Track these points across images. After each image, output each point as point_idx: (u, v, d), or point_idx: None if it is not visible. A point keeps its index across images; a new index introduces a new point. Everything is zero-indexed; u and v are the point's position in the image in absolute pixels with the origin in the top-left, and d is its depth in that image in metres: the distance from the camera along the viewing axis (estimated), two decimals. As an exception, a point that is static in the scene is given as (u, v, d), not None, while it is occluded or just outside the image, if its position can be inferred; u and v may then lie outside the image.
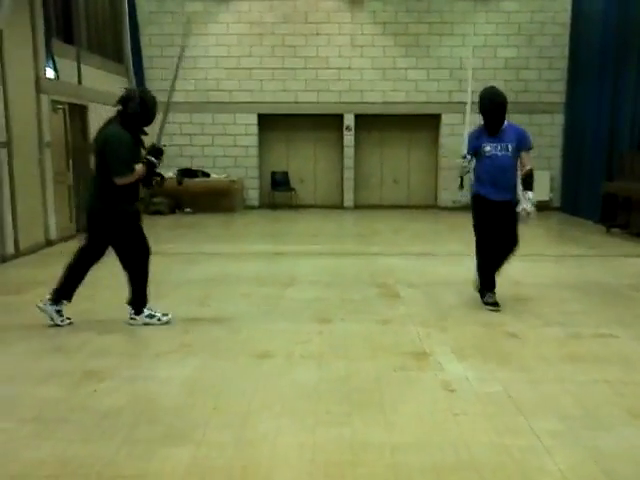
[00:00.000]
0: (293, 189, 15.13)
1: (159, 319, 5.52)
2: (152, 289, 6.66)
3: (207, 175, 14.36)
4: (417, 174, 15.52)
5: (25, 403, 3.87)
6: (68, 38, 11.09)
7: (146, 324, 5.47)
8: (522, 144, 5.90)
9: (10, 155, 8.62)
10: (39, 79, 9.41)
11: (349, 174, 15.12)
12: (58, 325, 5.38)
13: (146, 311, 5.52)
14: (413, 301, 6.38)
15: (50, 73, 9.94)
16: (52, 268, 8.32)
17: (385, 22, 14.67)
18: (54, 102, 9.88)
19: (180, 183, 13.81)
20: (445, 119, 14.86)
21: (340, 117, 14.94)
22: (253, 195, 15.14)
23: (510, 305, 6.15)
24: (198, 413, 3.72)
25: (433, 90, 14.77)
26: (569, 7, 14.18)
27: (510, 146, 5.88)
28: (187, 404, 3.85)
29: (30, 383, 4.18)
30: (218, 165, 14.72)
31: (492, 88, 6.16)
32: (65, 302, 5.44)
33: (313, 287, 6.99)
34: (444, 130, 14.92)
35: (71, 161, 10.49)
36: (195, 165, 14.69)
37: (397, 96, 14.74)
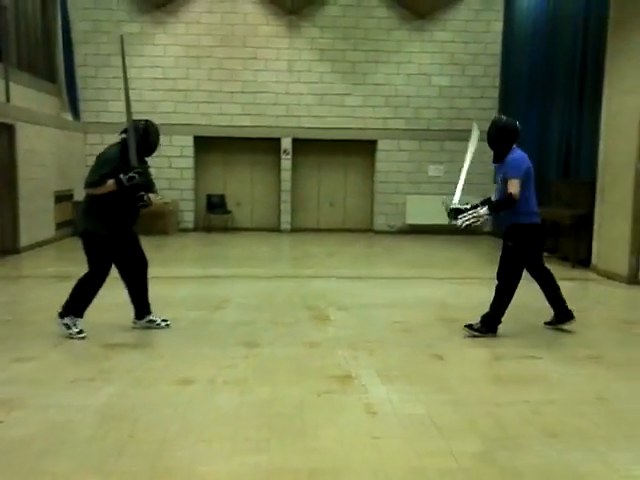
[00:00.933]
0: (229, 212, 15.01)
1: (158, 324, 5.98)
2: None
3: (141, 197, 14.07)
4: (353, 198, 15.65)
5: None
6: (-5, 55, 10.78)
7: (147, 328, 5.94)
8: (505, 173, 5.87)
9: None
10: (-38, 96, 9.09)
11: (286, 197, 15.12)
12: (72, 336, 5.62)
13: (147, 317, 5.97)
14: (343, 324, 6.36)
15: (-25, 90, 9.63)
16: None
17: (323, 49, 14.84)
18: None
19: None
20: (381, 145, 15.08)
21: (278, 141, 14.97)
22: (188, 217, 14.95)
23: (438, 327, 6.20)
24: (112, 442, 3.57)
25: (369, 116, 14.97)
26: (500, 39, 14.68)
27: (499, 177, 5.96)
28: (101, 433, 3.69)
29: None
30: (153, 187, 14.48)
31: (495, 118, 6.22)
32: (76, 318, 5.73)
33: (243, 310, 6.89)
34: (380, 155, 15.13)
35: (-4, 181, 10.13)
36: (129, 187, 14.39)
37: (334, 122, 14.87)
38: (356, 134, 14.95)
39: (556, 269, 9.88)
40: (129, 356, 5.18)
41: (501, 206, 5.88)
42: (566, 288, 8.47)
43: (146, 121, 5.74)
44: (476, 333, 5.89)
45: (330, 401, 4.23)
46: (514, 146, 5.96)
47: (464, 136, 14.62)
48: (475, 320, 5.96)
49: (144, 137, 5.60)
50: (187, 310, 6.80)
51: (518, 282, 5.96)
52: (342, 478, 3.19)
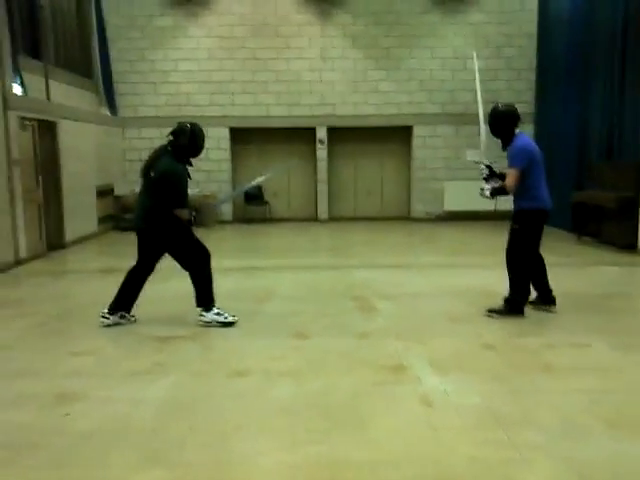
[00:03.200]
0: (267, 203, 15.09)
1: (225, 317, 5.93)
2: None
3: (179, 190, 14.21)
4: (390, 186, 15.59)
5: (-6, 429, 3.76)
6: (35, 54, 10.96)
7: (214, 321, 5.90)
8: (508, 161, 5.97)
9: (-23, 173, 8.48)
10: (6, 95, 9.25)
11: (323, 187, 15.13)
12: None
13: (214, 309, 5.95)
14: (390, 314, 6.36)
15: (17, 89, 9.80)
16: (22, 288, 8.25)
17: (355, 35, 14.76)
18: (22, 119, 9.72)
19: (152, 198, 13.69)
20: (417, 131, 14.98)
21: (313, 130, 14.96)
22: (226, 209, 15.07)
23: (485, 316, 6.15)
24: (173, 434, 3.64)
25: (404, 102, 14.87)
26: (535, 18, 14.40)
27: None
28: (162, 425, 3.77)
29: (-1, 408, 4.07)
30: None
31: (493, 106, 6.21)
32: (125, 313, 6.00)
33: (289, 302, 6.94)
34: (416, 142, 15.03)
35: (41, 178, 10.31)
36: (167, 180, 14.55)
37: (369, 108, 14.82)
38: (391, 120, 14.85)
39: (600, 254, 9.82)
40: (183, 348, 5.27)
41: (497, 192, 6.06)
42: (612, 273, 8.44)
43: (192, 124, 5.85)
44: (495, 315, 6.06)
45: (385, 392, 4.25)
46: (517, 131, 6.02)
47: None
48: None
49: (192, 140, 5.76)
50: (233, 302, 6.85)
51: (530, 263, 6.10)
52: (404, 469, 3.20)
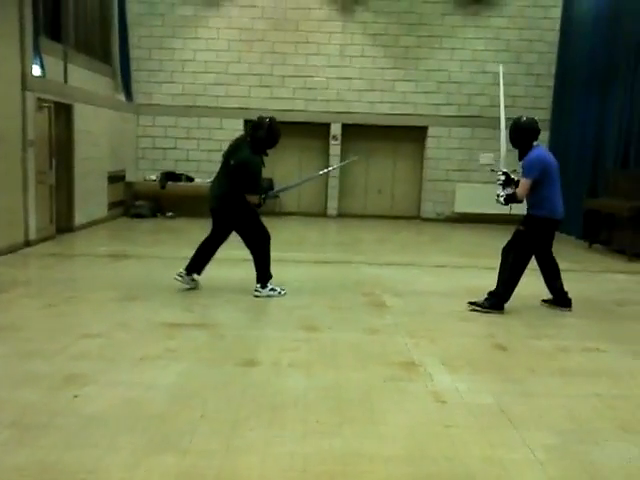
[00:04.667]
0: (277, 196, 15.03)
1: (279, 292, 6.67)
2: (133, 292, 6.64)
3: (191, 180, 14.22)
4: (401, 185, 15.52)
5: (3, 408, 3.73)
6: (56, 36, 10.94)
7: (269, 296, 6.58)
8: (522, 172, 6.19)
9: (-8, 152, 8.47)
10: (25, 76, 9.23)
11: (334, 183, 15.08)
12: (190, 287, 6.75)
13: (269, 285, 6.65)
14: (400, 311, 6.33)
15: (37, 70, 9.78)
16: (31, 269, 8.25)
17: (375, 33, 14.69)
18: (39, 100, 9.72)
19: (163, 187, 13.70)
20: (432, 131, 14.91)
21: (327, 126, 14.91)
22: (237, 201, 15.04)
23: (497, 317, 6.13)
24: (184, 420, 3.62)
25: (421, 102, 14.80)
26: (557, 26, 14.32)
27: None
28: (173, 411, 3.74)
29: (8, 387, 4.03)
30: (202, 170, 14.51)
31: (515, 118, 6.46)
32: (195, 275, 6.79)
33: (299, 295, 6.90)
34: (430, 142, 14.96)
35: (54, 161, 10.30)
36: (179, 169, 14.56)
37: (384, 107, 14.74)
38: (406, 120, 14.79)
39: (610, 262, 9.76)
40: (193, 335, 5.24)
41: (510, 199, 6.20)
42: (622, 281, 8.38)
43: (270, 118, 6.49)
44: (478, 308, 6.23)
45: (396, 388, 4.22)
46: (535, 144, 6.21)
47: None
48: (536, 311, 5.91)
49: (269, 133, 6.41)
50: (244, 293, 6.84)
51: (524, 267, 6.27)
52: (418, 465, 3.17)
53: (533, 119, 6.31)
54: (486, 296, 6.32)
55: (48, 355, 4.65)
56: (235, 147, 6.57)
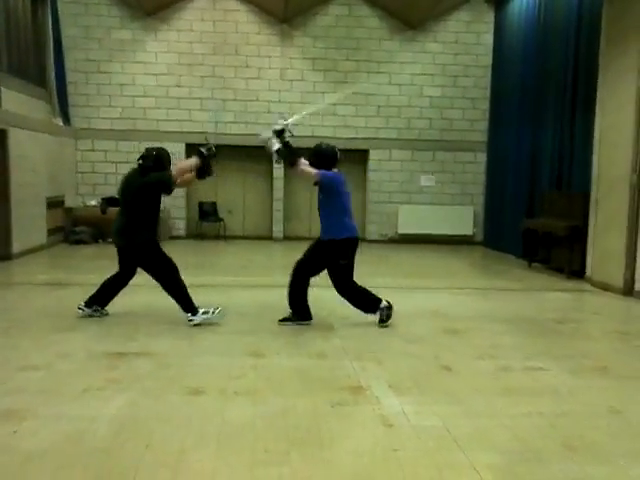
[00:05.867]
0: (221, 219, 14.96)
1: (213, 312, 6.50)
2: (73, 321, 6.47)
3: (132, 204, 13.97)
4: (345, 207, 15.61)
5: (-64, 446, 3.57)
6: (-12, 60, 10.67)
7: (206, 320, 6.43)
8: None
9: None
10: (-44, 101, 8.97)
11: (278, 205, 15.11)
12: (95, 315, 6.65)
13: (200, 309, 6.47)
14: (347, 334, 6.35)
15: (-32, 95, 9.51)
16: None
17: (315, 58, 14.89)
18: (-28, 125, 9.43)
19: (104, 212, 13.41)
20: (373, 154, 15.15)
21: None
22: (180, 225, 14.89)
23: (442, 338, 6.21)
24: (129, 453, 3.52)
25: (361, 126, 15.04)
26: (490, 51, 14.83)
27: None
28: (117, 443, 3.65)
29: (-58, 424, 3.86)
30: (144, 194, 14.33)
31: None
32: (99, 308, 6.69)
33: (244, 319, 6.86)
34: (372, 165, 15.19)
35: (-12, 187, 10.00)
36: (120, 194, 14.30)
37: (325, 131, 14.86)
38: (348, 143, 14.88)
39: (549, 280, 10.05)
40: (136, 365, 5.13)
41: (286, 156, 6.44)
42: (561, 299, 8.64)
43: (157, 149, 6.63)
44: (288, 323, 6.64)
45: (344, 412, 4.22)
46: (335, 170, 6.59)
47: (455, 146, 14.97)
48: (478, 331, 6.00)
49: (156, 163, 6.49)
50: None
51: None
52: (367, 491, 3.17)
53: (333, 146, 6.66)
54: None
55: (-17, 390, 4.48)
56: (127, 181, 6.56)
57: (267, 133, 6.35)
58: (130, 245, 6.46)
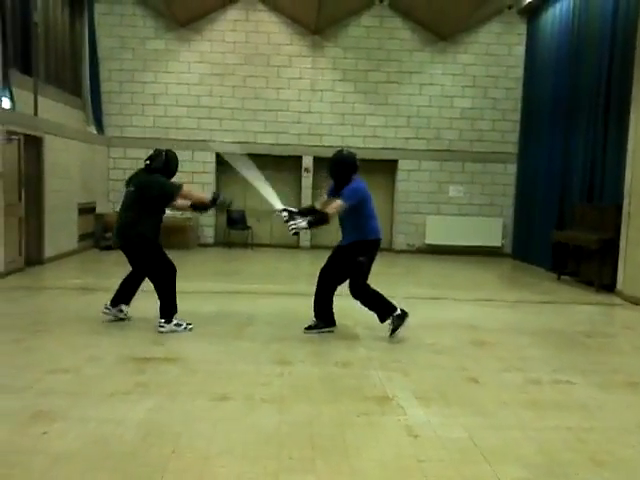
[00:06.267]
0: (249, 227, 15.06)
1: (185, 327, 6.44)
2: (102, 325, 6.56)
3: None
4: (373, 217, 15.61)
5: (-31, 445, 3.65)
6: (26, 69, 10.93)
7: (173, 331, 6.36)
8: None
9: (-40, 184, 8.35)
10: (-6, 109, 9.20)
11: (306, 215, 15.12)
12: (122, 319, 6.73)
13: (174, 320, 6.42)
14: (373, 343, 6.34)
15: (6, 103, 9.74)
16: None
17: (345, 69, 14.95)
18: (9, 132, 9.64)
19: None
20: (402, 165, 15.14)
21: (299, 159, 15.04)
22: (208, 233, 15.02)
23: (469, 349, 6.17)
24: (155, 457, 3.56)
25: (390, 136, 15.04)
26: (522, 63, 14.76)
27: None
28: (143, 447, 3.69)
29: (-26, 424, 3.95)
30: (174, 202, 14.51)
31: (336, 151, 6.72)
32: (124, 305, 6.75)
33: (271, 327, 6.89)
34: (400, 175, 15.17)
35: (24, 193, 10.20)
36: (150, 201, 14.49)
37: (355, 141, 14.91)
38: (377, 154, 14.98)
39: (579, 293, 9.92)
40: (163, 370, 5.18)
41: (317, 222, 6.41)
42: (591, 312, 8.52)
43: (166, 150, 6.58)
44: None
45: (370, 422, 4.21)
46: (355, 176, 6.46)
47: (485, 158, 14.89)
48: (506, 344, 5.95)
49: (165, 164, 6.48)
50: (215, 326, 6.81)
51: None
52: (391, 500, 3.16)
53: (354, 153, 6.59)
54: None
55: (16, 391, 4.56)
56: (134, 176, 6.59)
57: (302, 223, 6.27)
58: (127, 242, 6.44)
